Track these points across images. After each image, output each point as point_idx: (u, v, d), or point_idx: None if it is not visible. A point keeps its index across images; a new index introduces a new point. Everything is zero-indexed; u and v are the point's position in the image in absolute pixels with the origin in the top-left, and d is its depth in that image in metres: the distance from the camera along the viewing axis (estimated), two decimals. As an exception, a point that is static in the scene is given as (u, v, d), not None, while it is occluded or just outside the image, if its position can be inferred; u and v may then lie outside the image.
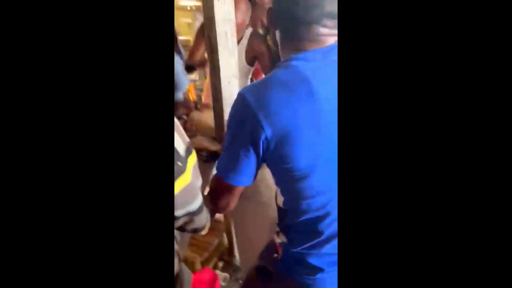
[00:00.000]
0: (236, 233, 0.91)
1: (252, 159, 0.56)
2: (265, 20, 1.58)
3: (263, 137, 0.53)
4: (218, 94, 0.91)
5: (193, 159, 0.52)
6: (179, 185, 0.48)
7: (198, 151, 0.87)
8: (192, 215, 0.53)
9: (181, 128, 0.50)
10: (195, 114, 1.31)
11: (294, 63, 0.55)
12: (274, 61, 1.68)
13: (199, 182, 0.55)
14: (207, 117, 1.10)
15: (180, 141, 0.49)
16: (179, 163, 0.47)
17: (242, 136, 0.55)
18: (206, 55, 1.47)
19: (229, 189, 0.60)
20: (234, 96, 0.94)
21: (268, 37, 1.75)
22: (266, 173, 0.68)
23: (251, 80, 1.96)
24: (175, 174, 0.47)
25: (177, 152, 0.47)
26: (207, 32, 0.87)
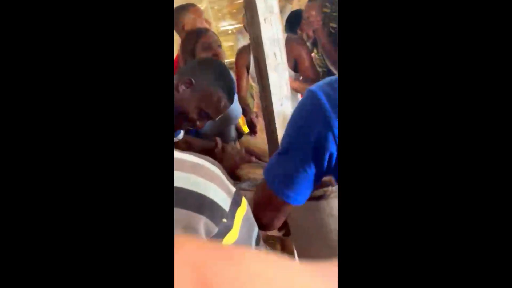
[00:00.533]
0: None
1: (311, 174, 0.46)
2: (311, 34, 1.52)
3: (332, 148, 0.44)
4: (270, 117, 0.87)
5: (242, 211, 0.45)
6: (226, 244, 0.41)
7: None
8: None
9: (223, 178, 0.43)
10: (245, 138, 1.28)
11: None
12: (322, 68, 1.61)
13: (254, 233, 0.48)
14: (260, 141, 1.06)
15: (223, 194, 0.41)
16: (224, 220, 0.40)
17: (305, 143, 0.46)
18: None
19: (279, 205, 0.50)
20: (287, 118, 0.89)
21: (315, 50, 1.69)
22: (334, 207, 0.60)
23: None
24: (221, 231, 0.40)
25: (220, 208, 0.40)
26: (254, 54, 0.83)
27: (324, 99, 0.44)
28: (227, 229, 0.40)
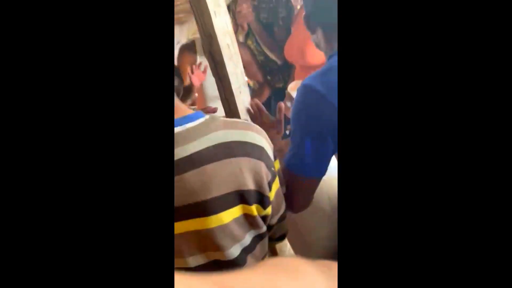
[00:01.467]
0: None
1: (330, 148, 0.56)
2: (245, 26, 1.59)
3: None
4: (232, 107, 0.92)
5: (277, 163, 0.53)
6: (274, 189, 0.49)
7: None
8: (281, 220, 0.54)
9: (264, 132, 0.51)
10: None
11: None
12: (260, 64, 1.70)
13: (283, 206, 0.56)
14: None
15: (269, 146, 0.49)
16: (273, 168, 0.48)
17: (316, 128, 0.55)
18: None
19: (311, 184, 0.59)
20: (247, 104, 0.95)
21: (249, 42, 1.76)
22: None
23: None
24: (271, 179, 0.48)
25: (270, 157, 0.48)
26: (207, 49, 0.87)
27: (320, 88, 0.54)
28: (274, 177, 0.47)
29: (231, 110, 0.95)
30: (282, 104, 0.85)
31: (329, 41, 0.62)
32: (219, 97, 0.93)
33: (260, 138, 0.48)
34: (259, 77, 1.69)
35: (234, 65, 0.86)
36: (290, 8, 1.52)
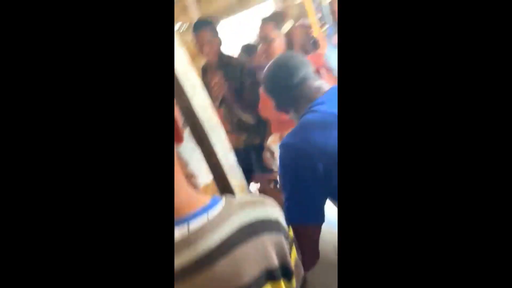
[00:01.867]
0: None
1: (321, 193, 0.62)
2: (219, 97, 1.72)
3: (321, 167, 0.57)
4: (220, 173, 0.97)
5: (291, 231, 0.56)
6: (293, 258, 0.51)
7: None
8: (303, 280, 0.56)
9: (275, 201, 0.54)
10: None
11: (317, 108, 0.65)
12: (235, 125, 1.81)
13: (302, 273, 0.58)
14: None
15: (281, 214, 0.52)
16: (289, 237, 0.51)
17: (303, 178, 0.61)
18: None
19: (313, 232, 0.63)
20: (235, 167, 1.01)
21: (223, 108, 1.88)
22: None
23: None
24: (289, 247, 0.50)
25: (283, 225, 0.51)
26: (189, 124, 0.95)
27: (297, 143, 0.60)
28: (291, 245, 0.50)
29: (219, 177, 1.01)
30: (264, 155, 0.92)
31: (285, 106, 0.71)
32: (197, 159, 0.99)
33: (274, 210, 0.52)
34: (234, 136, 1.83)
35: (216, 136, 0.93)
36: (254, 74, 1.68)
